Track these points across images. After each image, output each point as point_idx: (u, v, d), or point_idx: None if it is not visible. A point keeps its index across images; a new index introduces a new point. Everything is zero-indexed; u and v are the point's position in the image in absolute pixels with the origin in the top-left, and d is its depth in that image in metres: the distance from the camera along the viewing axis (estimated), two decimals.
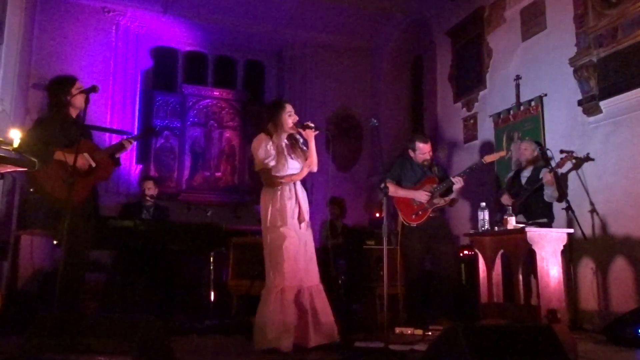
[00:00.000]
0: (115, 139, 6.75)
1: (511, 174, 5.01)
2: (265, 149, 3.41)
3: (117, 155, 3.97)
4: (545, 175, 4.36)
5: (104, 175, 3.87)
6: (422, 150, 4.63)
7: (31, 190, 3.63)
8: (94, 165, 3.64)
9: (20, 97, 6.34)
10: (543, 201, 4.52)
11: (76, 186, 3.30)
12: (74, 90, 3.65)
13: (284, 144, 3.49)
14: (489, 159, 4.48)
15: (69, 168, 3.36)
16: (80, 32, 7.56)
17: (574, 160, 4.67)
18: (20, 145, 3.24)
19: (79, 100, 3.65)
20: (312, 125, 3.45)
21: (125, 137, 4.04)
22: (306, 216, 3.43)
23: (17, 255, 5.62)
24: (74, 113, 3.73)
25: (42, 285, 5.24)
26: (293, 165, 3.47)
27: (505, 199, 4.66)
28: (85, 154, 3.60)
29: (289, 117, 3.49)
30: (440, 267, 4.56)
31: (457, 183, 4.40)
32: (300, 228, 3.39)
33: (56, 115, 3.66)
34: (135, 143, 4.07)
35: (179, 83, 8.67)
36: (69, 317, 2.24)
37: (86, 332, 2.07)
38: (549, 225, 4.41)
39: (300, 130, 3.46)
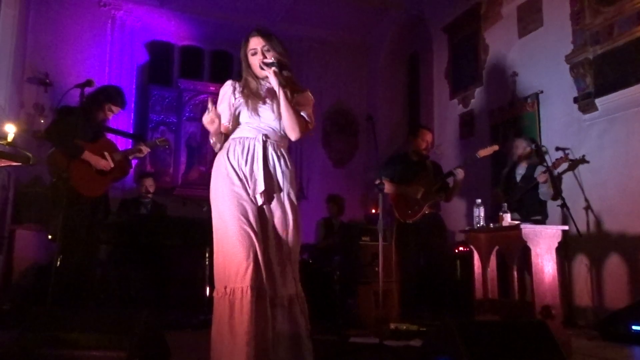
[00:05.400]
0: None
1: (506, 170, 5.02)
2: (222, 96, 2.63)
3: (130, 158, 4.10)
4: (540, 176, 4.39)
5: (119, 176, 4.02)
6: (425, 138, 4.74)
7: (54, 180, 3.65)
8: (112, 165, 3.77)
9: (14, 91, 6.30)
10: (537, 198, 4.53)
11: (93, 183, 3.63)
12: (107, 108, 3.88)
13: (264, 88, 2.60)
14: (482, 153, 4.50)
15: (92, 168, 3.67)
16: (75, 26, 7.49)
17: (569, 162, 4.68)
18: (49, 132, 3.70)
19: (108, 115, 3.95)
20: (270, 60, 2.46)
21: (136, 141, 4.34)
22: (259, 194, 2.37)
23: (12, 249, 5.60)
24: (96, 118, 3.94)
25: (37, 279, 5.22)
26: (266, 113, 2.52)
27: (500, 197, 4.67)
28: (106, 153, 3.74)
29: (254, 57, 2.54)
30: (435, 263, 4.57)
31: (458, 174, 4.46)
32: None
33: (85, 111, 3.75)
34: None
35: (174, 78, 8.60)
36: (63, 312, 2.23)
37: (81, 326, 2.07)
38: (542, 222, 4.42)
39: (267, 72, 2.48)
